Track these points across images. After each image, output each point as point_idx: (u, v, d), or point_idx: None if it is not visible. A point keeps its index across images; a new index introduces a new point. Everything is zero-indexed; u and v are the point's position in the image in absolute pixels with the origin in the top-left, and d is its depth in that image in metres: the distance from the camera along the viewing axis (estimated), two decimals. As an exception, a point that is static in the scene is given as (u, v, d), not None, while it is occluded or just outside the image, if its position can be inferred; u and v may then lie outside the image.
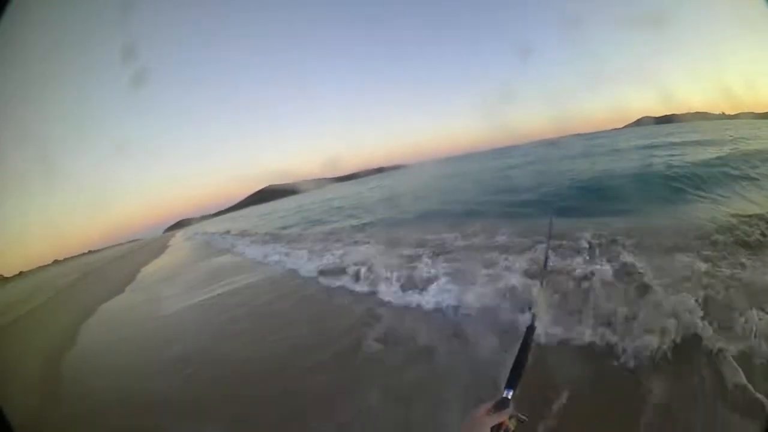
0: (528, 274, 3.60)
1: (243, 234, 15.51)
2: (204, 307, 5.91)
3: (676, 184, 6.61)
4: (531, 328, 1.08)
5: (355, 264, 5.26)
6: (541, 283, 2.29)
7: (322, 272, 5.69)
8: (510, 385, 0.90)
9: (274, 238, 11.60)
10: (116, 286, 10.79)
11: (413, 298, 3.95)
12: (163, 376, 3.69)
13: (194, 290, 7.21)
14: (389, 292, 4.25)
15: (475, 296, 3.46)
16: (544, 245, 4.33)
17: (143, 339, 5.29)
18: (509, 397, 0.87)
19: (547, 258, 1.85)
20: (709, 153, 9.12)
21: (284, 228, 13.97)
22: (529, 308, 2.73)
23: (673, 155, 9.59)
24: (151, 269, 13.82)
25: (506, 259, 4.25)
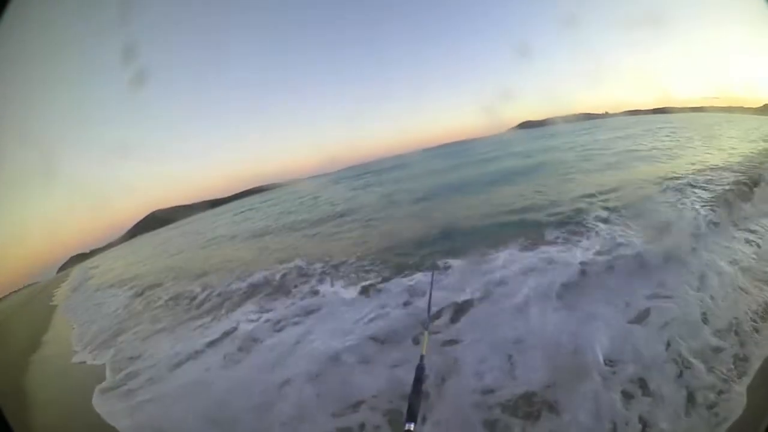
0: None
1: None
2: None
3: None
4: (421, 368, 1.25)
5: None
6: (426, 328, 2.34)
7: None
8: (410, 418, 1.01)
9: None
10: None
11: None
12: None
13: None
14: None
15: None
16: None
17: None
18: (412, 429, 0.97)
19: (430, 304, 2.31)
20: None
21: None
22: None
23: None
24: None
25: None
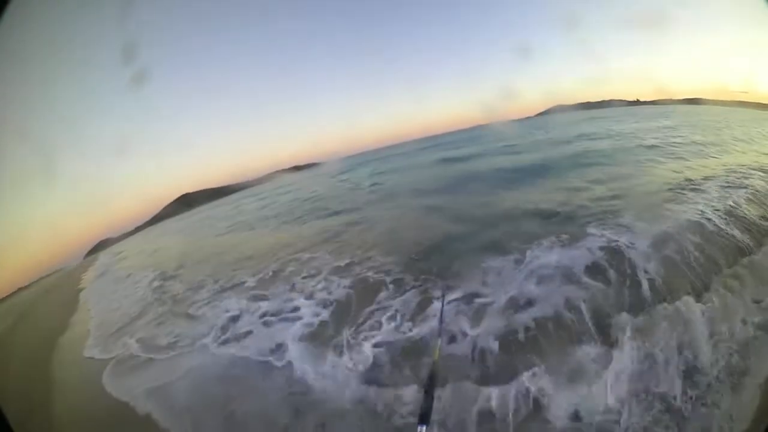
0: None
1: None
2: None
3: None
4: (433, 377, 1.30)
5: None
6: (439, 334, 2.34)
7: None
8: (423, 420, 1.07)
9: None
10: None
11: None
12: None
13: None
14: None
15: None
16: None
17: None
18: (424, 431, 1.04)
19: (442, 313, 2.46)
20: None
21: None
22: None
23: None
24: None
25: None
